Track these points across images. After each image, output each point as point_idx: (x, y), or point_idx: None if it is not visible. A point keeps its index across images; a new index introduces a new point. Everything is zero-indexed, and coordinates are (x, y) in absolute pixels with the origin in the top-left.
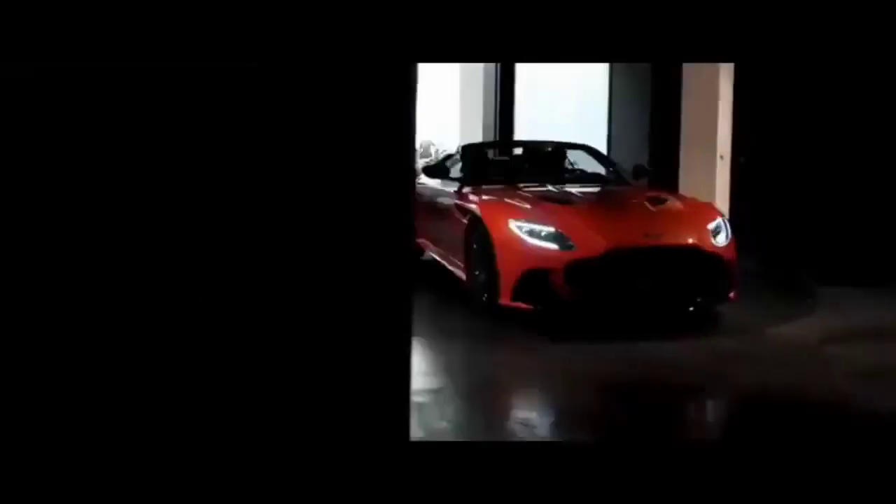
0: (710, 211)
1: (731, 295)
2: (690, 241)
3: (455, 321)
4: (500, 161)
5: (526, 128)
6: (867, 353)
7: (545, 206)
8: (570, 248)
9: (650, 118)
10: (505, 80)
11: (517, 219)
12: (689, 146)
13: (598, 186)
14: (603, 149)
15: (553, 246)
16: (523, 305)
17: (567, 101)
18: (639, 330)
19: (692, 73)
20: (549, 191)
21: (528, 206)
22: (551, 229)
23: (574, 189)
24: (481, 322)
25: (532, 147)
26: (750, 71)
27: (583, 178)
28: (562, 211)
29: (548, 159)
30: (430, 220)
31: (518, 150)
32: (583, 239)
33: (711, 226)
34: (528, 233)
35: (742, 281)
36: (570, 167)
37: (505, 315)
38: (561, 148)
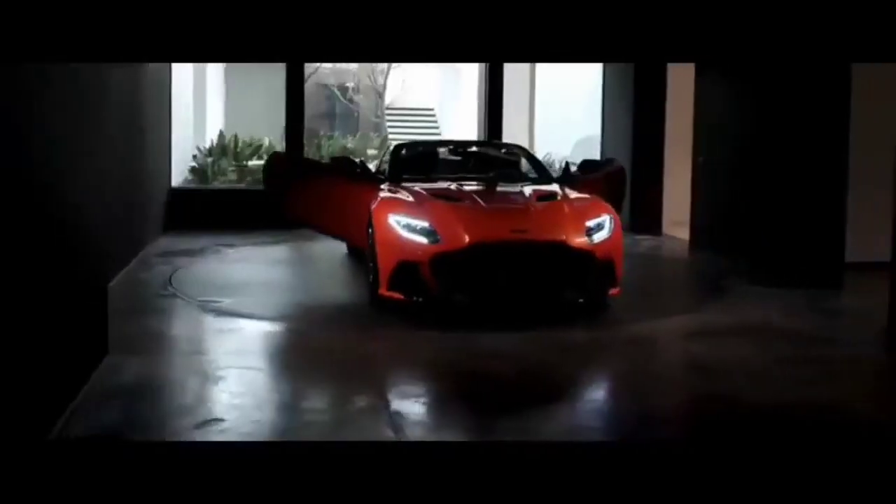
0: (597, 210)
1: (612, 291)
2: (557, 237)
3: (348, 312)
4: (428, 159)
5: (540, 125)
6: (709, 347)
7: (429, 202)
8: (437, 241)
9: (633, 117)
10: (493, 81)
11: (396, 213)
12: (672, 146)
13: (511, 185)
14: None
15: (423, 239)
16: (397, 295)
17: (580, 100)
18: (510, 321)
19: (677, 73)
20: (447, 188)
21: (412, 202)
22: (425, 224)
23: (473, 186)
24: (370, 312)
25: (464, 146)
26: (709, 71)
27: (510, 176)
28: (440, 207)
29: (482, 158)
30: (355, 219)
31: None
32: (450, 233)
33: (591, 223)
34: (404, 227)
35: (670, 278)
36: (509, 166)
37: (397, 307)
38: (496, 147)
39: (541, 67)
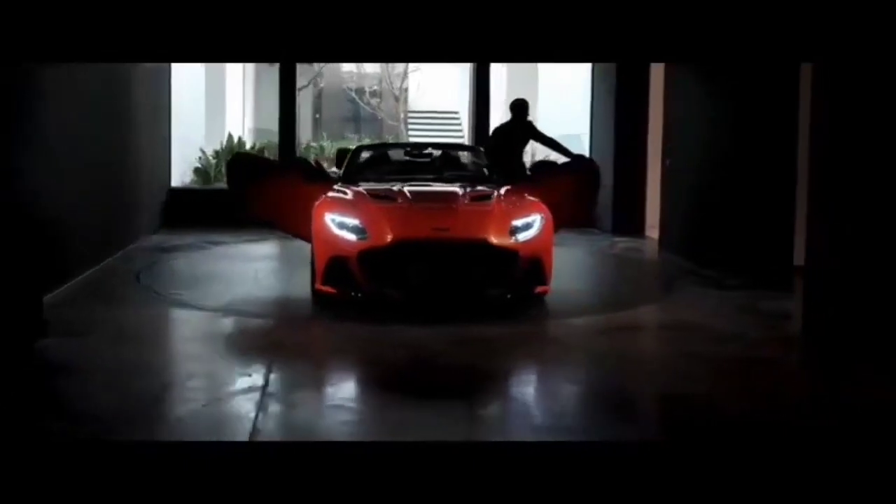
0: (527, 209)
1: (541, 289)
2: (478, 235)
3: (291, 305)
4: (385, 161)
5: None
6: (617, 342)
7: (363, 202)
8: (364, 238)
9: (614, 117)
10: (479, 81)
11: (332, 212)
12: (655, 146)
13: (452, 186)
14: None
15: (353, 236)
16: (330, 290)
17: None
18: (436, 316)
19: (660, 74)
20: (387, 189)
21: (349, 201)
22: (355, 222)
23: (414, 187)
24: (311, 305)
25: (422, 148)
26: (676, 72)
27: (460, 177)
28: (371, 206)
29: (439, 161)
30: (305, 217)
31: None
32: (376, 230)
33: (518, 222)
34: (338, 225)
35: (624, 278)
36: (463, 166)
37: (341, 302)
38: (455, 150)
39: (543, 67)
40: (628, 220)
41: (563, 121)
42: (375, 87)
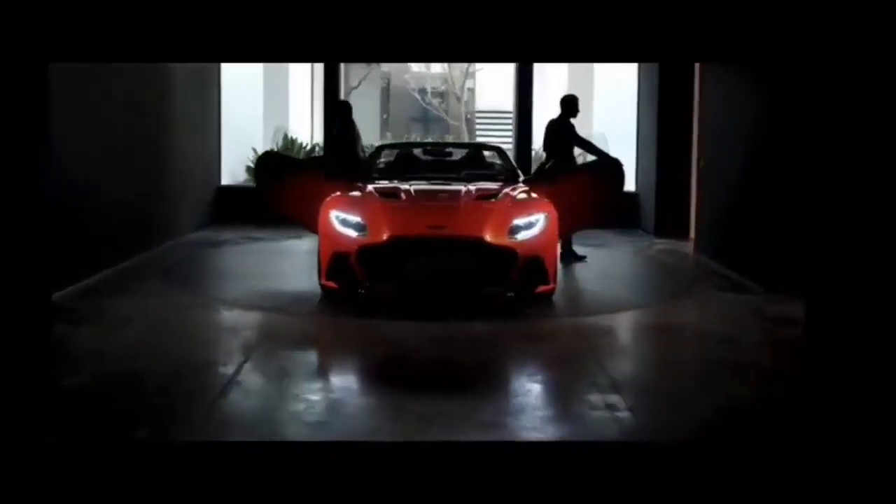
0: (532, 208)
1: (543, 288)
2: (474, 234)
3: (299, 300)
4: (405, 160)
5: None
6: (599, 342)
7: (368, 199)
8: (364, 235)
9: (657, 118)
10: (522, 81)
11: (336, 209)
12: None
13: (463, 184)
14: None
15: (353, 233)
16: (332, 285)
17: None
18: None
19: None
20: (395, 187)
21: (355, 199)
22: (357, 219)
23: (422, 185)
24: (316, 300)
25: (443, 147)
26: (713, 70)
27: (477, 176)
28: (374, 203)
29: (459, 160)
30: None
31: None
32: (375, 227)
33: (520, 221)
34: (341, 222)
35: (643, 280)
36: (484, 165)
37: (339, 297)
38: (473, 148)
39: (599, 66)
40: (671, 222)
41: (617, 120)
42: (440, 88)
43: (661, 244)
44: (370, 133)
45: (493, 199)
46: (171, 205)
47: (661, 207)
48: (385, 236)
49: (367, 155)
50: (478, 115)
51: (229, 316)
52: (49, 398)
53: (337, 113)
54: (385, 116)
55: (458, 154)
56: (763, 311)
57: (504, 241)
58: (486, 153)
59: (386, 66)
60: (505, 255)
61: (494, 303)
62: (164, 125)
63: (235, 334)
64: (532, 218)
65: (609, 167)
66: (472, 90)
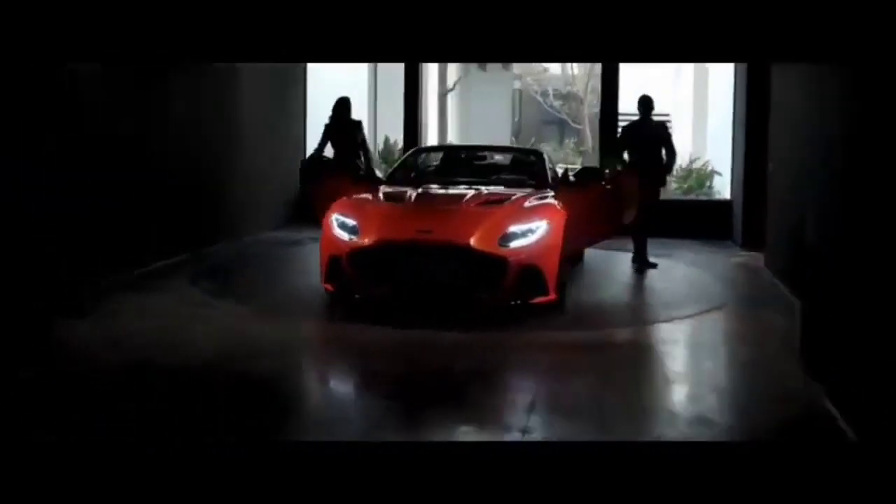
0: (533, 215)
1: (540, 299)
2: (460, 240)
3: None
4: (440, 163)
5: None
6: (563, 357)
7: (370, 203)
8: (356, 238)
9: (745, 121)
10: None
11: (337, 212)
12: None
13: (474, 188)
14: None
15: (347, 236)
16: (330, 287)
17: None
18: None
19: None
20: (403, 191)
21: (360, 202)
22: (353, 222)
23: (427, 190)
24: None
25: (476, 151)
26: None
27: (507, 180)
28: (372, 207)
29: (491, 164)
30: None
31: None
32: (366, 230)
33: (516, 228)
34: (339, 225)
35: (680, 293)
36: (519, 169)
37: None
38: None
39: (713, 66)
40: (757, 234)
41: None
42: (564, 89)
43: (741, 257)
44: (502, 137)
45: (496, 205)
46: (242, 205)
47: (748, 217)
48: (373, 239)
49: (363, 160)
50: (621, 117)
51: (224, 319)
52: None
53: (336, 110)
54: (516, 119)
55: (502, 159)
56: (779, 329)
57: (493, 248)
58: (526, 158)
59: (518, 68)
60: (493, 263)
61: (488, 311)
62: (243, 125)
63: (216, 336)
64: (531, 225)
65: (624, 175)
66: (591, 91)
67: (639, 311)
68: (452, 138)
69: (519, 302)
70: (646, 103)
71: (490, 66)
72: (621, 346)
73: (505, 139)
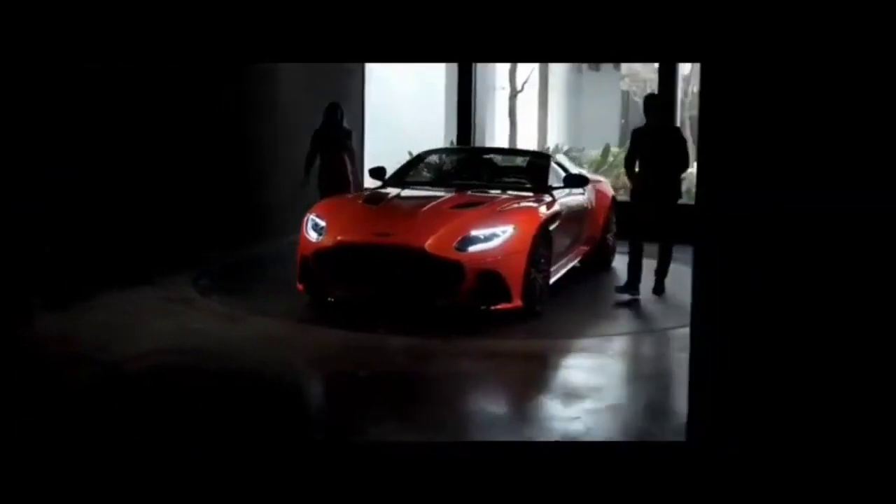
0: (499, 220)
1: (503, 305)
2: (416, 243)
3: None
4: (432, 167)
5: None
6: (488, 366)
7: (345, 205)
8: (320, 238)
9: None
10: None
11: (314, 212)
12: None
13: (462, 192)
14: None
15: (315, 237)
16: (300, 287)
17: None
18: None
19: None
20: (384, 193)
21: (333, 203)
22: (323, 223)
23: (405, 191)
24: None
25: (480, 154)
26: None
27: (505, 184)
28: (341, 208)
29: (493, 167)
30: None
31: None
32: (330, 232)
33: (478, 233)
34: (312, 226)
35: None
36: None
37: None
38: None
39: None
40: None
41: None
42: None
43: None
44: (609, 140)
45: (472, 208)
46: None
47: None
48: (332, 241)
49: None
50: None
51: (180, 310)
52: None
53: (327, 116)
54: (623, 122)
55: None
56: None
57: (448, 252)
58: (531, 161)
59: (624, 68)
60: (448, 268)
61: (453, 316)
62: (285, 128)
63: (196, 338)
64: (496, 229)
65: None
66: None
67: (621, 322)
68: (559, 140)
69: (484, 308)
70: (652, 104)
71: (603, 66)
72: (542, 357)
73: (613, 141)
